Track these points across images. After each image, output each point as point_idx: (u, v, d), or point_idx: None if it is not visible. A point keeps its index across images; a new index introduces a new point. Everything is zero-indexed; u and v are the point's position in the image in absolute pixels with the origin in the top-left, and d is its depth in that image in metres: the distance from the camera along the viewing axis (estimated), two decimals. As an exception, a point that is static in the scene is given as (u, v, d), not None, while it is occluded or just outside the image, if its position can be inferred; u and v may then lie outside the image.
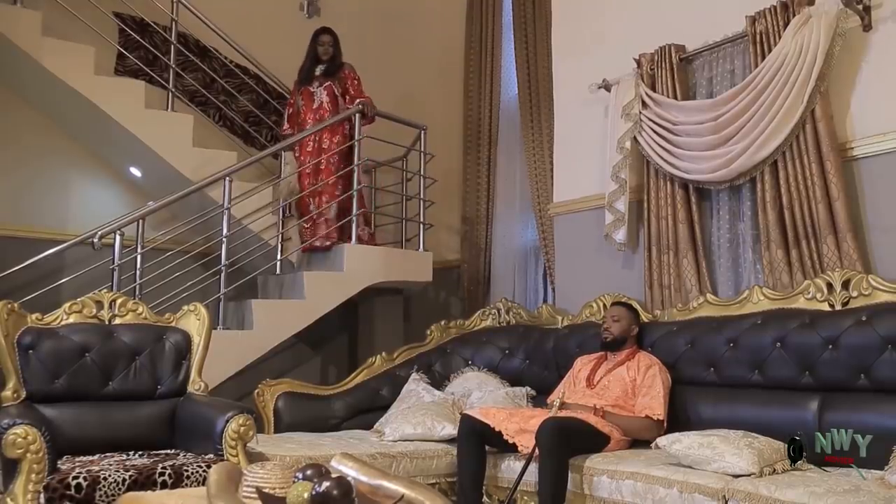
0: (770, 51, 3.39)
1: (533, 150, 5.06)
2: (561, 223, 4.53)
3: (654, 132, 3.83)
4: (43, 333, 3.09)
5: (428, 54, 6.04)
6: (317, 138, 4.92)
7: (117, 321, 3.28)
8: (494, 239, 5.46)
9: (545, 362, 4.01)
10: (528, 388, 3.95)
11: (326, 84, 4.99)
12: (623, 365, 3.42)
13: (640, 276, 3.94)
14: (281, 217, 4.88)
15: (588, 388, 3.42)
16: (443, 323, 4.48)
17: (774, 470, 2.58)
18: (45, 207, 4.65)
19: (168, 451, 3.01)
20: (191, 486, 2.65)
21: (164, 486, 2.62)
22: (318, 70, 5.05)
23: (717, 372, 3.32)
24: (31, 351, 3.03)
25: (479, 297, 5.41)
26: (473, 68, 5.67)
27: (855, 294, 2.99)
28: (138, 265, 4.23)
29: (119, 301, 3.33)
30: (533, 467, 2.98)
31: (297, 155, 4.97)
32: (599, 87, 4.16)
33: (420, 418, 3.62)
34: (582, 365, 3.59)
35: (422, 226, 5.17)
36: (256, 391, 3.93)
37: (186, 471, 2.69)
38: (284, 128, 5.11)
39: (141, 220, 4.28)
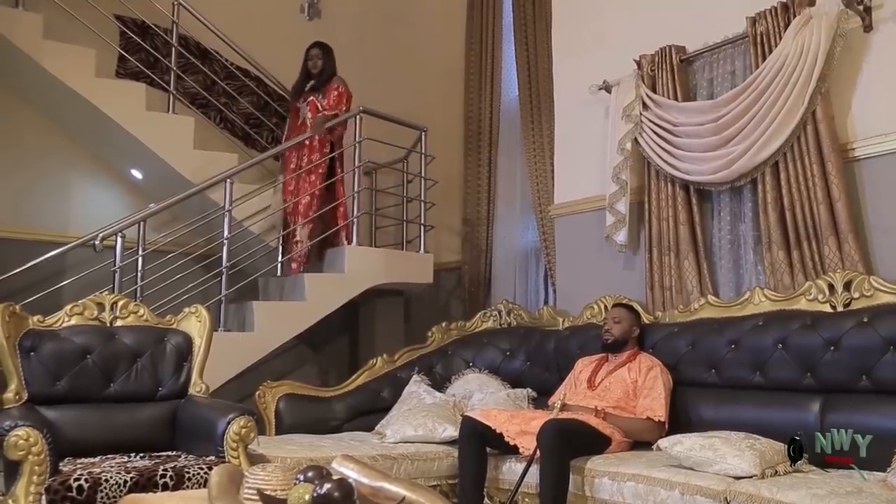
0: (771, 52, 3.39)
1: (533, 152, 5.06)
2: (562, 224, 4.53)
3: (655, 133, 3.83)
4: (44, 335, 3.09)
5: (428, 56, 6.04)
6: (297, 156, 4.89)
7: (119, 323, 3.29)
8: (495, 240, 5.46)
9: (546, 364, 4.01)
10: (529, 390, 3.95)
11: (310, 99, 4.96)
12: (624, 366, 3.42)
13: (642, 278, 3.93)
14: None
15: (589, 390, 3.42)
16: (444, 324, 4.48)
17: (776, 472, 2.57)
18: (47, 209, 4.65)
19: (169, 453, 3.01)
20: (192, 487, 2.65)
21: (165, 487, 2.62)
22: (308, 85, 5.03)
23: (718, 373, 3.32)
24: (32, 353, 3.03)
25: (480, 298, 5.41)
26: (474, 70, 5.67)
27: (857, 295, 2.98)
28: (139, 267, 4.24)
29: (120, 303, 3.33)
30: (534, 469, 2.97)
31: (282, 172, 4.97)
32: (600, 89, 4.16)
33: (421, 420, 3.62)
34: (583, 366, 3.59)
35: (423, 227, 5.17)
36: (257, 393, 3.93)
37: (188, 472, 2.69)
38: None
39: (142, 223, 4.29)
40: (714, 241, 3.72)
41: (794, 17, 3.33)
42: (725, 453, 2.63)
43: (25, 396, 2.96)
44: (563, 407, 3.22)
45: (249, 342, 4.30)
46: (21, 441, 2.55)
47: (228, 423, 2.87)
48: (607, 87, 4.14)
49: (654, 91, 3.88)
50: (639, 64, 3.97)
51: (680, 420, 3.27)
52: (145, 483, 2.60)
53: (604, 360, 3.54)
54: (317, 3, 5.90)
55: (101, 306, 3.28)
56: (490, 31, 5.58)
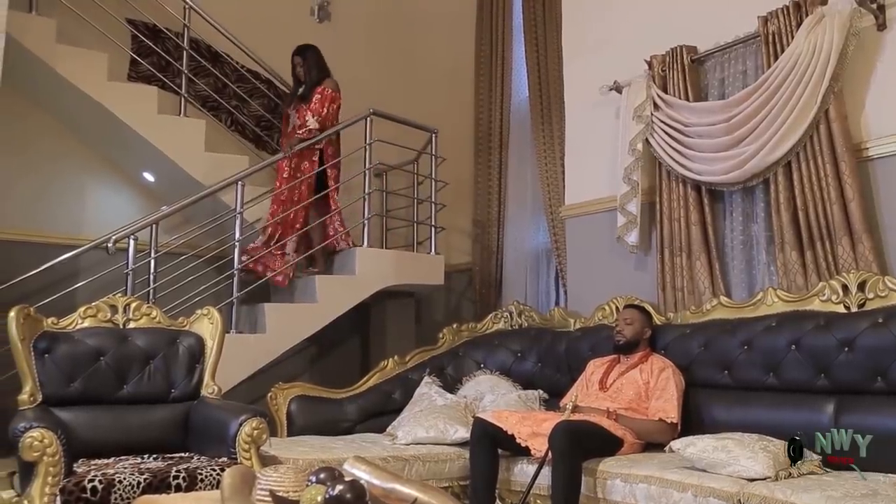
0: (783, 51, 3.37)
1: (544, 153, 5.05)
2: (572, 225, 4.52)
3: (666, 134, 3.81)
4: (58, 337, 3.12)
5: (438, 58, 6.04)
6: (291, 164, 4.74)
7: (131, 325, 3.31)
8: (506, 242, 5.45)
9: (557, 365, 4.00)
10: (541, 391, 3.94)
11: (300, 107, 4.85)
12: (636, 368, 3.40)
13: (653, 279, 3.92)
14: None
15: (601, 391, 3.41)
16: (455, 326, 4.48)
17: (790, 474, 2.56)
18: (60, 212, 4.68)
19: (182, 455, 3.02)
20: (204, 489, 2.66)
21: (178, 489, 2.63)
22: (299, 92, 4.93)
23: (731, 374, 3.30)
24: (46, 355, 3.06)
25: (491, 299, 5.41)
26: (484, 71, 5.67)
27: (871, 296, 2.96)
28: (152, 269, 4.26)
29: (133, 305, 3.35)
30: (546, 471, 2.97)
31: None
32: (610, 90, 4.15)
33: (432, 421, 3.62)
34: (594, 368, 3.57)
35: (433, 229, 5.17)
36: (269, 394, 3.94)
37: (200, 474, 2.70)
38: None
39: (154, 225, 4.31)
40: (726, 241, 3.70)
41: (807, 15, 3.31)
42: (739, 455, 2.61)
43: (40, 398, 2.99)
44: (575, 408, 3.21)
45: (261, 344, 4.31)
46: (36, 442, 2.57)
47: (240, 424, 2.88)
48: (618, 88, 4.13)
49: (665, 91, 3.87)
50: (650, 64, 3.96)
51: (692, 421, 3.25)
52: (158, 484, 2.61)
53: (615, 361, 3.52)
54: (327, 6, 5.91)
55: (114, 308, 3.31)
56: (500, 32, 5.58)
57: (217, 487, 2.46)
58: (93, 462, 2.80)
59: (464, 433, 3.49)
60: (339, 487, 1.79)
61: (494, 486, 3.23)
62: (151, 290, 4.21)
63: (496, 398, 3.86)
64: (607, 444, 3.10)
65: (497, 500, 3.25)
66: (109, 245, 4.11)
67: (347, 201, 5.16)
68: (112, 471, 2.64)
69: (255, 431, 2.88)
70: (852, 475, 2.54)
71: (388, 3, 6.13)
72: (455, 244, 5.76)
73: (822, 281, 3.17)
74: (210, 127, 4.99)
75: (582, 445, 2.98)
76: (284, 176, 4.76)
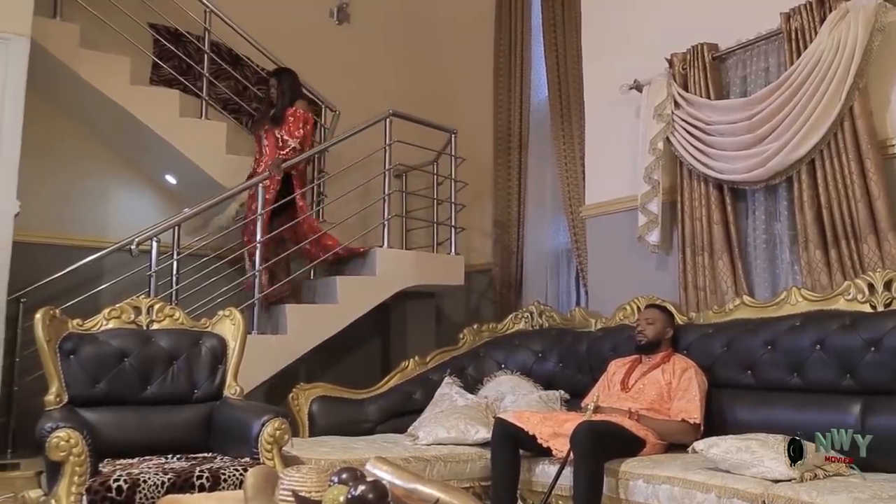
0: (806, 48, 3.33)
1: (564, 153, 5.04)
2: (593, 225, 4.50)
3: (688, 132, 3.79)
4: (84, 339, 3.15)
5: (457, 58, 6.05)
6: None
7: (155, 326, 3.34)
8: (526, 242, 5.44)
9: (578, 365, 3.99)
10: (562, 392, 3.92)
11: (271, 130, 4.75)
12: (658, 368, 3.38)
13: (675, 278, 3.89)
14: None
15: (623, 392, 3.39)
16: (475, 326, 4.47)
17: (816, 475, 2.52)
18: (85, 215, 4.74)
19: (205, 455, 3.04)
20: (228, 489, 2.67)
21: (201, 489, 2.65)
22: (270, 114, 4.82)
23: (754, 375, 3.26)
24: (72, 356, 3.10)
25: (511, 300, 5.40)
26: (503, 71, 5.66)
27: (898, 295, 2.92)
28: (174, 271, 4.30)
29: (156, 306, 3.38)
30: (567, 471, 2.95)
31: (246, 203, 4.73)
32: (631, 88, 4.13)
33: (453, 422, 3.62)
34: (616, 368, 3.56)
35: (453, 229, 5.17)
36: (291, 395, 3.95)
37: (223, 474, 2.72)
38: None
39: (177, 227, 4.35)
40: (749, 240, 3.67)
41: (830, 11, 3.27)
42: (763, 456, 2.58)
43: (66, 398, 3.02)
44: (597, 409, 3.19)
45: (283, 345, 4.34)
46: (62, 442, 2.60)
47: (263, 425, 2.90)
48: (638, 87, 4.10)
49: (686, 89, 3.84)
50: (670, 62, 3.93)
51: (715, 422, 3.22)
52: (182, 484, 2.63)
53: (637, 361, 3.50)
54: (346, 8, 5.94)
55: (137, 310, 3.34)
56: (519, 32, 5.57)
57: (240, 487, 2.48)
58: (118, 462, 2.83)
59: (485, 434, 3.48)
60: (362, 488, 1.80)
61: (516, 486, 3.22)
62: (174, 292, 4.26)
63: (517, 398, 3.85)
64: (629, 445, 3.08)
65: (518, 501, 3.25)
66: (132, 247, 4.16)
67: (367, 202, 5.18)
68: (137, 471, 2.66)
69: (278, 432, 2.89)
70: (881, 477, 2.50)
71: (406, 5, 6.15)
72: (475, 244, 5.76)
73: (847, 280, 3.13)
74: (231, 129, 5.04)
75: (604, 446, 2.97)
76: (253, 206, 4.56)
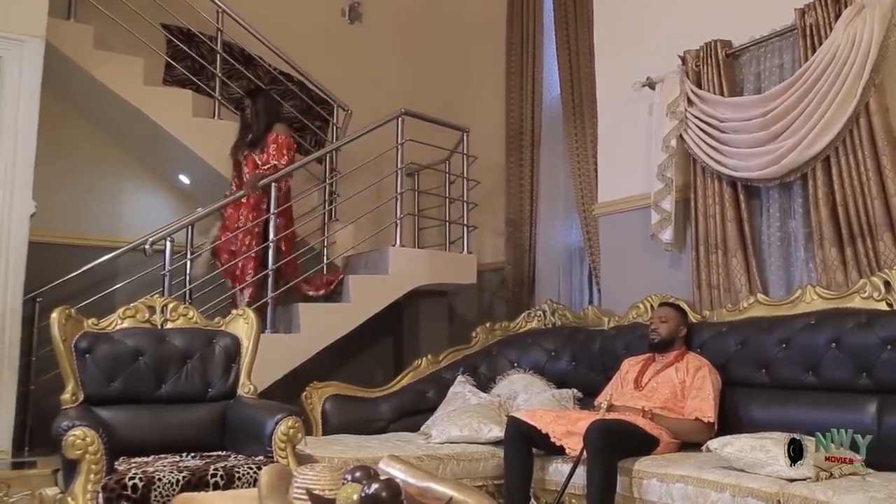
0: (821, 44, 3.30)
1: (576, 151, 5.02)
2: (606, 223, 4.49)
3: (701, 129, 3.77)
4: (99, 338, 3.18)
5: (469, 56, 6.04)
6: (236, 215, 4.56)
7: (169, 325, 3.36)
8: (538, 240, 5.43)
9: (591, 364, 3.98)
10: (575, 390, 3.92)
11: (250, 155, 4.67)
12: (672, 366, 3.37)
13: (688, 276, 3.87)
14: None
15: (636, 390, 3.38)
16: (488, 325, 4.47)
17: (832, 474, 2.50)
18: (99, 215, 4.78)
19: (219, 453, 3.06)
20: (242, 487, 2.69)
21: (216, 487, 2.67)
22: (248, 139, 4.71)
23: (768, 373, 3.24)
24: (87, 355, 3.12)
25: (524, 298, 5.39)
26: (515, 69, 5.65)
27: (914, 293, 2.89)
28: (188, 270, 4.32)
29: (170, 306, 3.40)
30: (581, 470, 2.95)
31: (220, 226, 4.66)
32: (643, 86, 4.11)
33: (466, 420, 3.62)
34: (629, 366, 3.54)
35: (466, 228, 5.17)
36: (304, 394, 3.97)
37: (237, 472, 2.74)
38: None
39: (190, 227, 4.38)
40: (763, 238, 3.64)
41: (846, 7, 3.24)
42: (778, 455, 2.56)
43: (81, 397, 3.05)
44: (610, 407, 3.19)
45: (296, 343, 4.35)
46: (79, 441, 2.62)
47: (276, 423, 2.91)
48: (651, 84, 4.08)
49: (700, 87, 3.82)
50: (683, 59, 3.91)
51: (729, 421, 3.21)
52: (197, 482, 2.65)
53: (650, 360, 3.49)
54: (357, 7, 5.95)
55: (151, 309, 3.36)
56: (531, 30, 5.55)
57: (254, 486, 2.49)
58: (133, 460, 2.85)
59: (498, 432, 3.48)
60: (375, 486, 1.81)
61: (529, 485, 3.22)
62: (188, 291, 4.28)
63: (530, 397, 3.85)
64: (643, 444, 3.07)
65: (532, 499, 3.24)
66: (147, 247, 4.19)
67: (379, 201, 5.19)
68: (152, 469, 2.68)
69: (291, 430, 2.90)
70: (896, 476, 2.49)
71: (418, 3, 6.15)
72: (487, 243, 5.76)
73: (863, 278, 3.10)
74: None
75: (617, 444, 2.96)
76: (235, 227, 4.55)
